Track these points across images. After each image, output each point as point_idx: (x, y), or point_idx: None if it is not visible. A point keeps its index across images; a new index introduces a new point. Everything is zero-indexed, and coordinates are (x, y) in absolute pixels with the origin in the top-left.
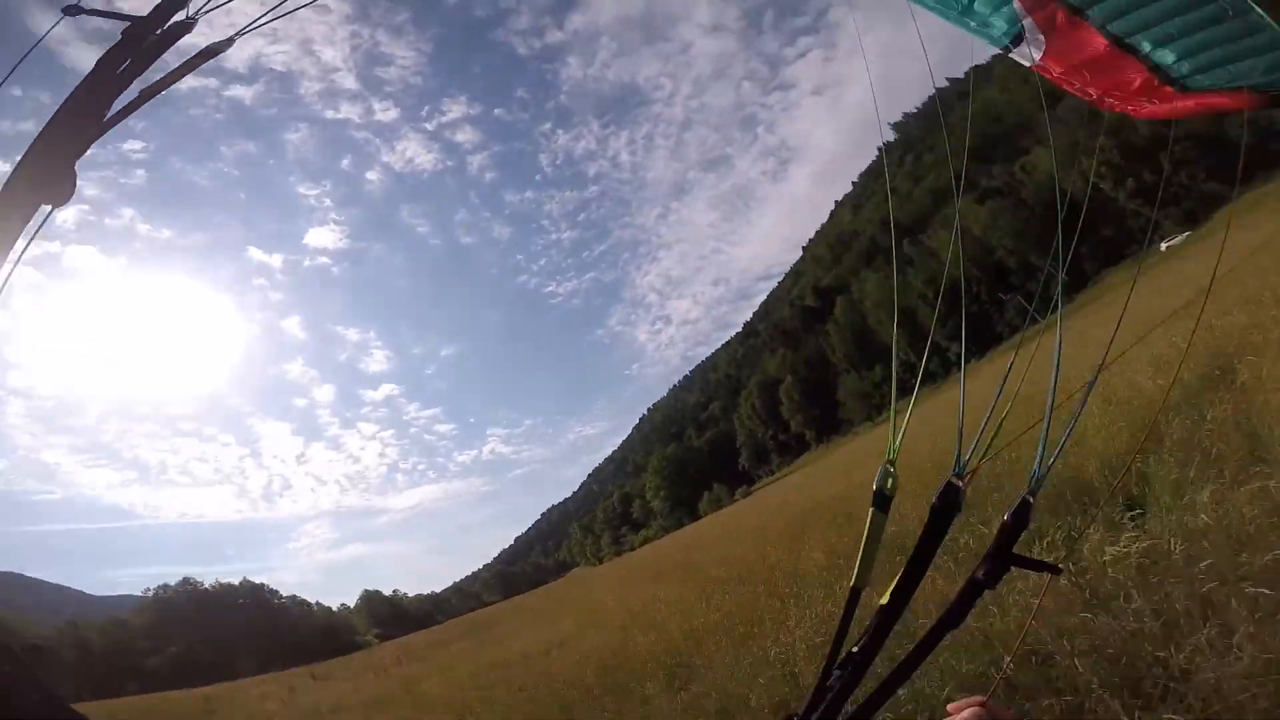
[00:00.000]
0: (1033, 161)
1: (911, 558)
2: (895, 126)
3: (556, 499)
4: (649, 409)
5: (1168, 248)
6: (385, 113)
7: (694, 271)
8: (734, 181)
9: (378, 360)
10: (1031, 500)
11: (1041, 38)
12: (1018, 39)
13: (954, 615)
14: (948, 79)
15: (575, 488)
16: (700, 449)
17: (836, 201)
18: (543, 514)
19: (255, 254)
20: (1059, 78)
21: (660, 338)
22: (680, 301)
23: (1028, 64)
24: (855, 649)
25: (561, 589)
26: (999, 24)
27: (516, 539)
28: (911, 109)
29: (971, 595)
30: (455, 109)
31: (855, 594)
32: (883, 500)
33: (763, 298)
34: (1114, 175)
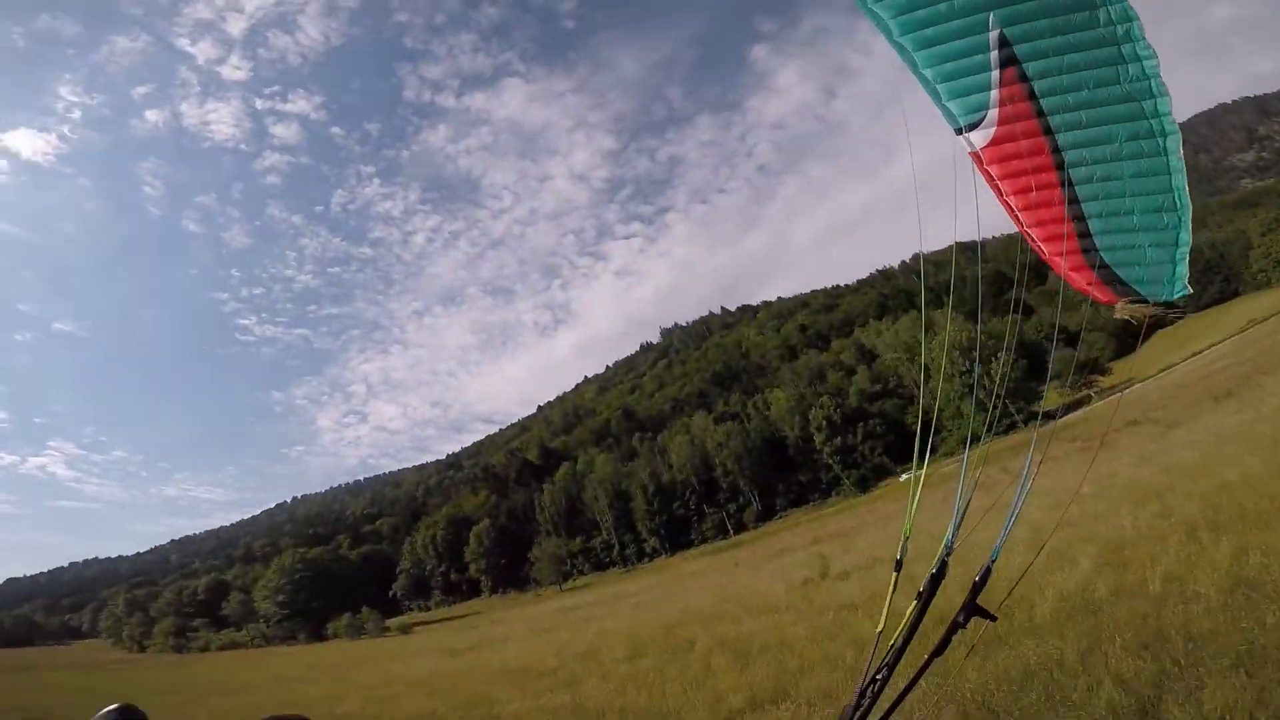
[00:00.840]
0: (766, 401)
1: (918, 608)
2: (663, 332)
3: (107, 552)
4: (294, 498)
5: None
6: (235, 70)
7: (418, 383)
8: (505, 317)
9: None
10: (991, 567)
11: (992, 133)
12: (972, 126)
13: (940, 647)
14: (722, 308)
15: (144, 547)
16: (352, 561)
17: (586, 377)
18: (71, 563)
19: None
20: (988, 172)
21: (346, 433)
22: (388, 406)
23: (968, 149)
24: (878, 676)
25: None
26: (966, 106)
27: (8, 579)
28: (683, 322)
29: (951, 632)
30: (300, 104)
31: (879, 636)
32: (899, 564)
33: (478, 438)
34: (829, 429)
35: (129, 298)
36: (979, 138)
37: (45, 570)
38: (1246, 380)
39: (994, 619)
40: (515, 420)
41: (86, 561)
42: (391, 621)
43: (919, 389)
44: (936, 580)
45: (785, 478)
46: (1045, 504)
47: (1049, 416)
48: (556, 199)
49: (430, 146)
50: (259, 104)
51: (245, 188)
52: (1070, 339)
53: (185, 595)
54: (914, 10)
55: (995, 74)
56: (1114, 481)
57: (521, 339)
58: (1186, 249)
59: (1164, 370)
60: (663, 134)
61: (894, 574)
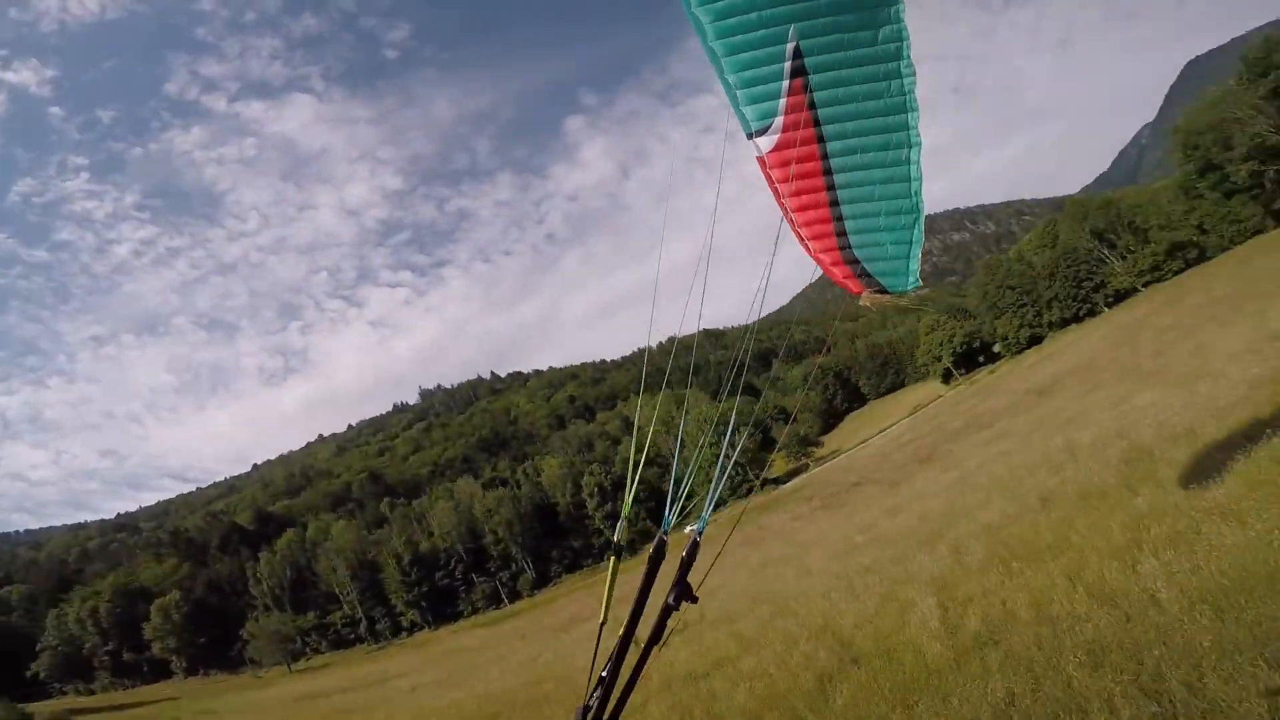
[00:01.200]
0: (537, 468)
1: (639, 591)
2: (422, 393)
3: None
4: None
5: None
6: None
7: (85, 426)
8: (220, 356)
9: None
10: (699, 540)
11: (776, 139)
12: (761, 132)
13: (656, 634)
14: (492, 373)
15: None
16: None
17: (321, 435)
18: None
19: None
20: (770, 175)
21: None
22: (33, 451)
23: (755, 154)
24: (604, 673)
25: None
26: (759, 112)
27: None
28: (447, 385)
29: (665, 615)
30: (23, 75)
31: (601, 628)
32: (619, 549)
33: (166, 496)
34: (600, 496)
35: None
36: (765, 143)
37: None
38: (936, 448)
39: (696, 600)
40: (221, 479)
41: None
42: (37, 708)
43: (674, 457)
44: (655, 560)
45: (558, 543)
46: (826, 553)
47: (778, 481)
48: (316, 231)
49: (173, 148)
50: None
51: None
52: (786, 417)
53: None
54: (726, 18)
55: (785, 83)
56: (879, 531)
57: (238, 385)
58: (919, 247)
59: (861, 443)
60: (458, 185)
61: (612, 559)
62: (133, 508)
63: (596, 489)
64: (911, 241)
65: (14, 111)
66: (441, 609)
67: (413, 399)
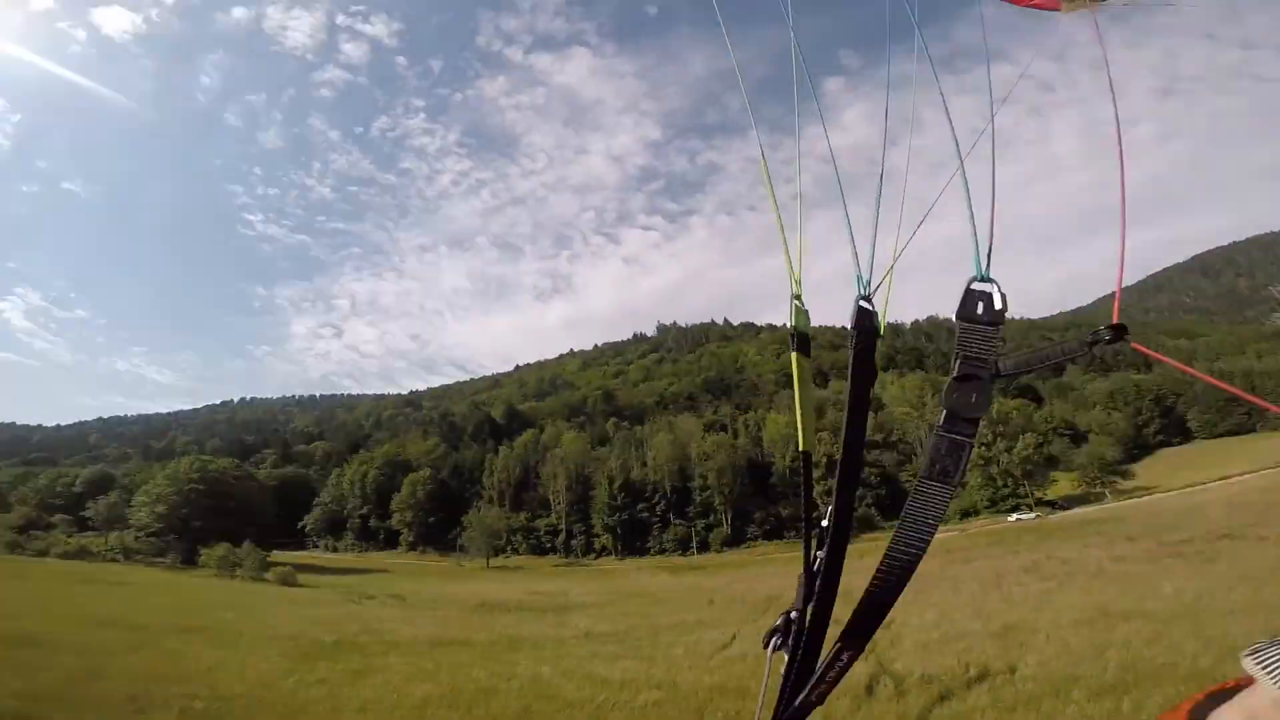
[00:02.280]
0: (760, 421)
1: (849, 404)
2: (659, 328)
3: (34, 418)
4: (241, 399)
5: (1017, 520)
6: None
7: (403, 313)
8: (505, 272)
9: None
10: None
11: None
12: None
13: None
14: (725, 319)
15: (65, 420)
16: (260, 483)
17: (571, 350)
18: None
19: None
20: None
21: (317, 344)
22: (367, 328)
23: None
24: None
25: None
26: None
27: None
28: (683, 323)
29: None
30: (378, 28)
31: (806, 457)
32: (802, 341)
33: (446, 382)
34: (827, 468)
35: (147, 171)
36: None
37: None
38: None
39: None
40: (488, 374)
41: (3, 425)
42: (278, 561)
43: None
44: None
45: (764, 506)
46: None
47: (1056, 506)
48: (587, 174)
49: (484, 95)
50: (340, 19)
51: (296, 95)
52: (1073, 434)
53: (60, 485)
54: None
55: None
56: None
57: (516, 298)
58: None
59: (1189, 486)
60: (709, 139)
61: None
62: (422, 387)
63: (825, 460)
64: None
65: (373, 59)
66: (632, 541)
67: (650, 331)
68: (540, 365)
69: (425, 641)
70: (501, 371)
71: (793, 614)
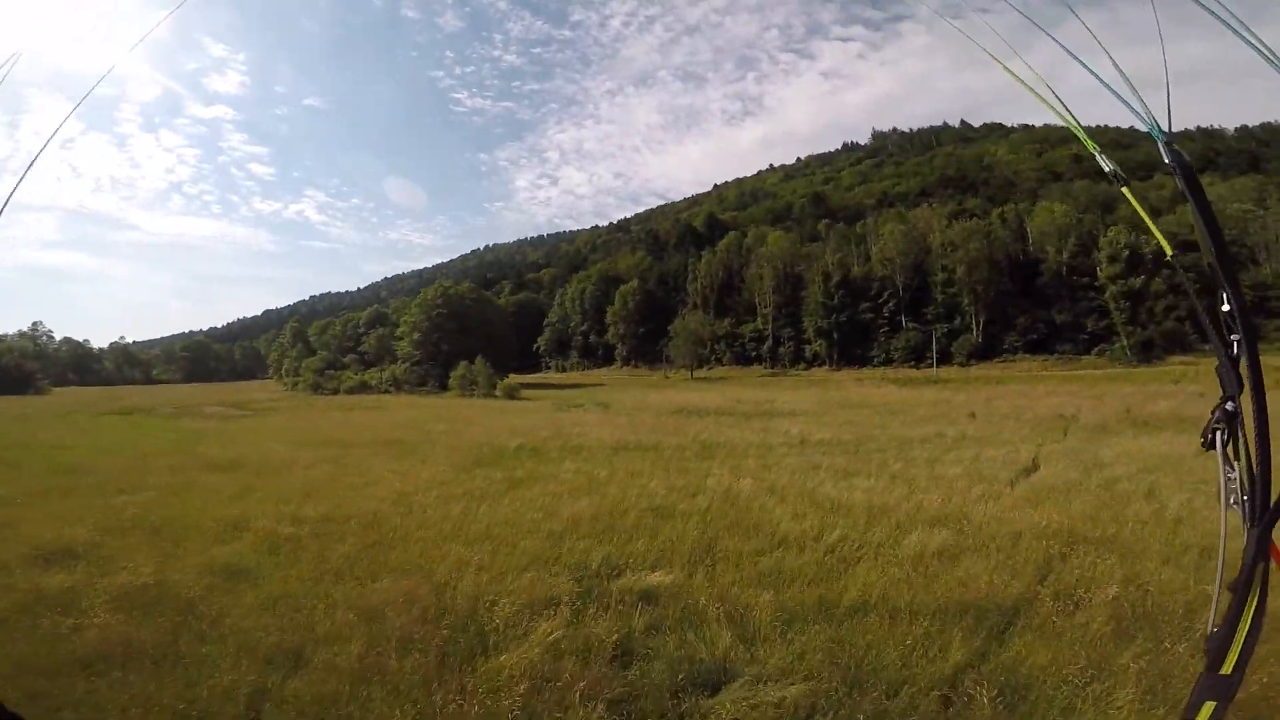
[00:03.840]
0: (1025, 211)
1: (1204, 222)
2: (875, 135)
3: (341, 287)
4: (485, 246)
5: None
6: None
7: (606, 155)
8: (692, 101)
9: (229, 81)
10: None
11: None
12: None
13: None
14: (962, 121)
15: (364, 284)
16: (496, 305)
17: (771, 165)
18: (310, 296)
19: None
20: None
21: (538, 194)
22: (577, 173)
23: None
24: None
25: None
26: None
27: (267, 311)
28: (905, 129)
29: None
30: None
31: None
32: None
33: (651, 208)
34: (1126, 262)
35: (362, 76)
36: None
37: (290, 303)
38: None
39: None
40: (689, 195)
41: (321, 295)
42: (505, 381)
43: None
44: None
45: (1030, 311)
46: None
47: None
48: None
49: None
50: None
51: None
52: None
53: (349, 329)
54: None
55: None
56: None
57: (707, 125)
58: None
59: None
60: None
61: None
62: (629, 215)
63: (1125, 249)
64: None
65: None
66: (851, 348)
67: (864, 141)
68: (739, 182)
69: (610, 446)
70: (700, 192)
71: (1228, 405)
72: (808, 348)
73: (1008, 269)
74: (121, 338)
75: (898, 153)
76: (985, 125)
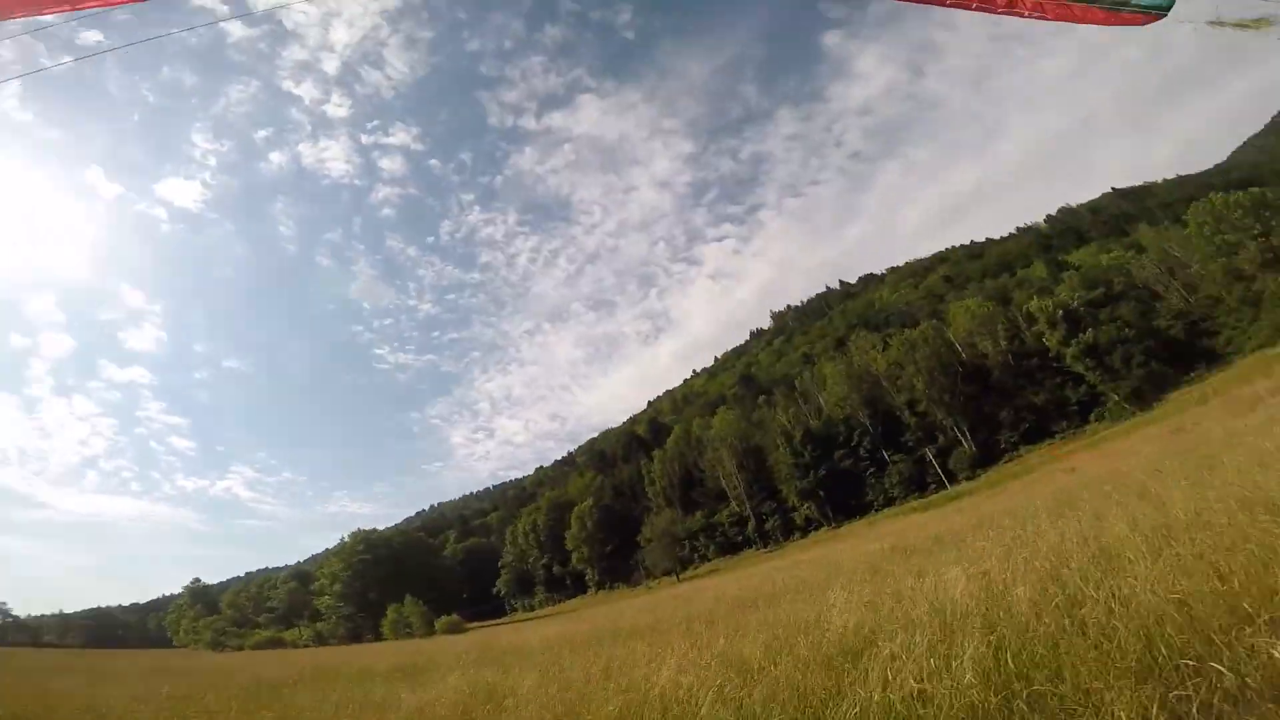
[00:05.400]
0: (943, 320)
1: None
2: (774, 316)
3: (279, 561)
4: (432, 506)
5: None
6: (337, 108)
7: (536, 398)
8: (607, 329)
9: (144, 338)
10: None
11: None
12: None
13: None
14: (840, 281)
15: (304, 556)
16: (436, 554)
17: (694, 371)
18: (246, 573)
19: (91, 174)
20: None
21: (476, 449)
22: (511, 421)
23: None
24: None
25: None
26: None
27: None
28: (796, 303)
29: None
30: (400, 137)
31: None
32: None
33: (593, 436)
34: (1066, 324)
35: (280, 334)
36: None
37: (224, 579)
38: None
39: None
40: (624, 421)
41: (259, 570)
42: (446, 619)
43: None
44: None
45: (1002, 404)
46: None
47: None
48: (643, 208)
49: (520, 169)
50: (364, 139)
51: (364, 221)
52: None
53: (264, 588)
54: None
55: None
56: None
57: (625, 350)
58: None
59: None
60: (741, 132)
61: None
62: (572, 448)
63: (1062, 315)
64: None
65: (411, 168)
66: (845, 500)
67: (765, 324)
68: (669, 394)
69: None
70: (637, 412)
71: None
72: (795, 514)
73: (957, 374)
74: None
75: (799, 325)
76: (861, 278)
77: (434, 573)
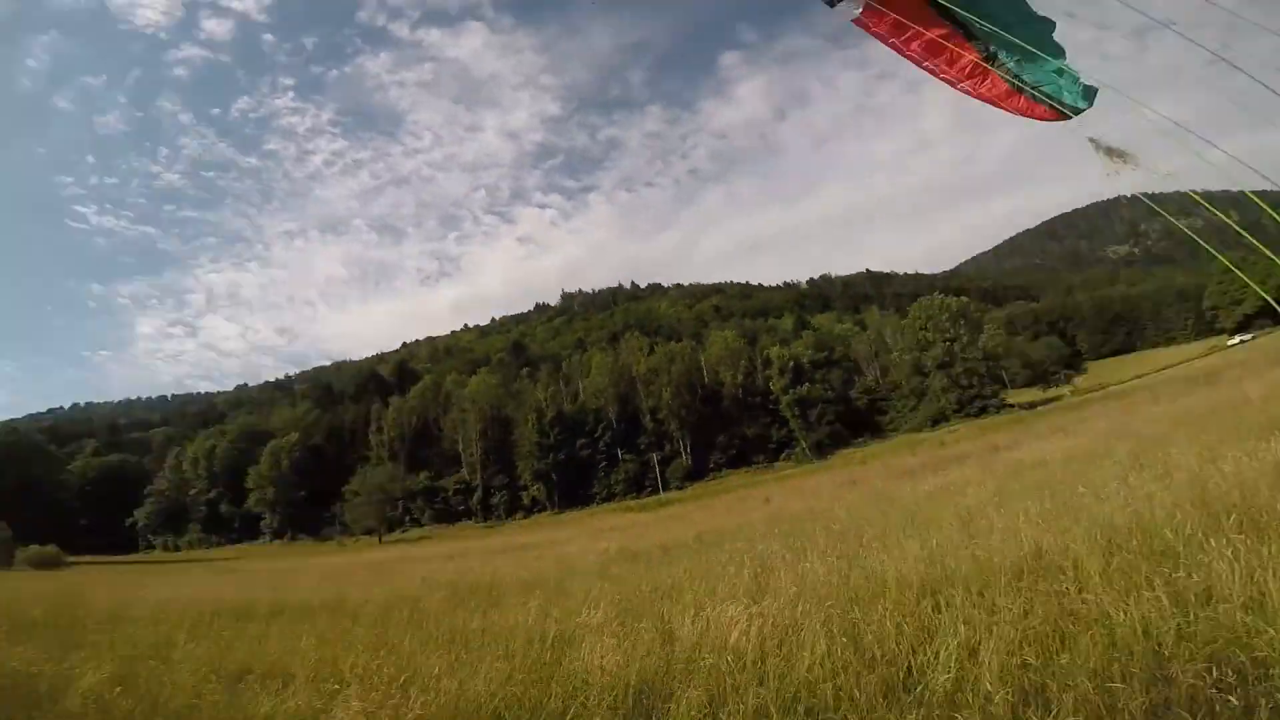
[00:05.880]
0: (701, 343)
1: None
2: (564, 296)
3: None
4: (74, 404)
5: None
6: None
7: (269, 305)
8: (386, 257)
9: None
10: None
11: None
12: None
13: None
14: (632, 282)
15: None
16: (67, 477)
17: (466, 325)
18: None
19: None
20: (877, 33)
21: (167, 345)
22: (227, 324)
23: (846, 19)
24: None
25: None
26: None
27: None
28: (589, 290)
29: None
30: (245, 3)
31: None
32: None
33: (324, 364)
34: (792, 374)
35: None
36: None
37: None
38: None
39: None
40: (371, 355)
41: None
42: (36, 549)
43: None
44: None
45: (727, 429)
46: None
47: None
48: (479, 151)
49: (365, 71)
50: None
51: (144, 76)
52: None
53: None
54: None
55: None
56: None
57: (399, 283)
58: (1065, 57)
59: (1133, 378)
60: (610, 114)
61: None
62: (294, 371)
63: (791, 364)
64: (1058, 54)
65: (238, 37)
66: (573, 488)
67: (555, 301)
68: (431, 340)
69: None
70: (387, 350)
71: None
72: (524, 494)
73: (698, 395)
74: None
75: (583, 311)
76: (650, 285)
77: (46, 488)
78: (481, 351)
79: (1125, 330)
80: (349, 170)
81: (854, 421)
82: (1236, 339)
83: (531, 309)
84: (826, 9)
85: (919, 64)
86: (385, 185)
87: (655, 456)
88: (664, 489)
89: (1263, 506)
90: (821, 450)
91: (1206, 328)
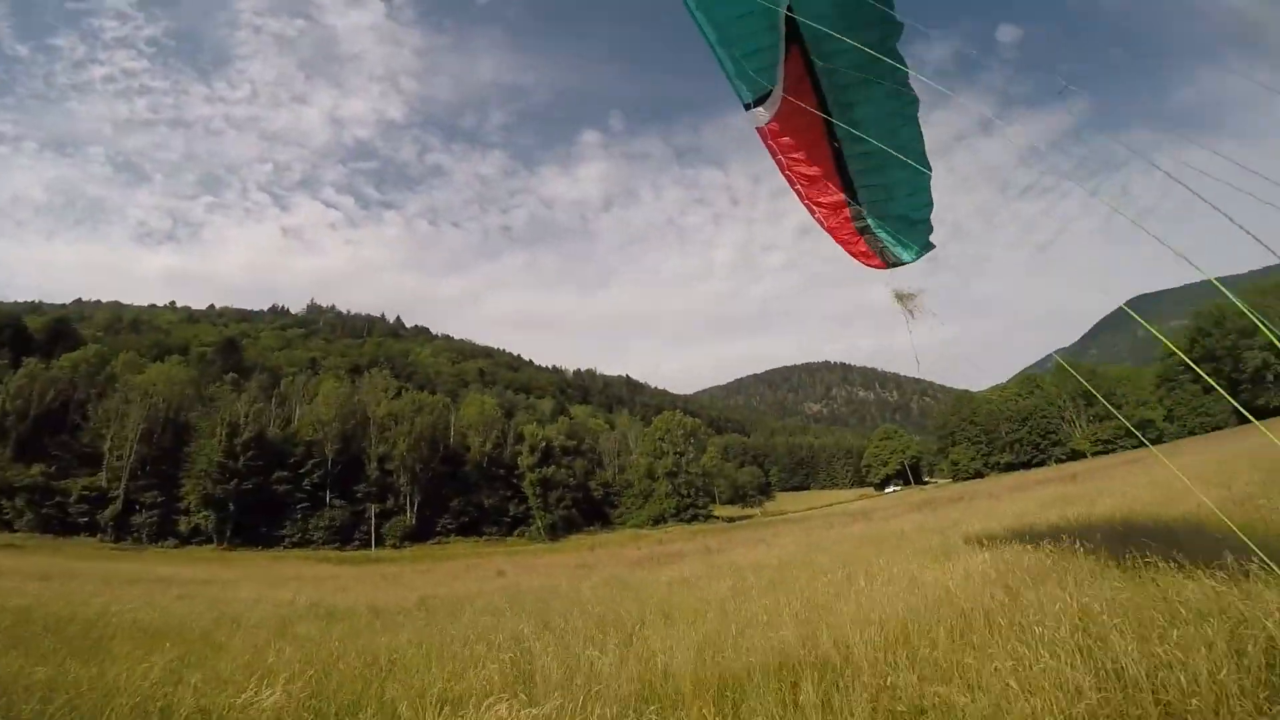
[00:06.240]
0: (455, 402)
1: None
2: (310, 307)
3: None
4: None
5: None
6: None
7: None
8: (109, 198)
9: None
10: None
11: (777, 107)
12: (760, 100)
13: None
14: (399, 317)
15: None
16: None
17: (174, 302)
18: None
19: None
20: (772, 146)
21: None
22: None
23: (756, 124)
24: None
25: None
26: (755, 81)
27: None
28: (343, 310)
29: None
30: None
31: None
32: None
33: None
34: (542, 454)
35: None
36: (765, 113)
37: None
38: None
39: None
40: (31, 301)
41: None
42: None
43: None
44: None
45: (464, 494)
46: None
47: (726, 520)
48: (289, 123)
49: (231, 4)
50: None
51: None
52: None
53: None
54: None
55: (782, 50)
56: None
57: (110, 230)
58: (930, 210)
59: (806, 509)
60: (451, 142)
61: None
62: None
63: (544, 445)
64: (925, 205)
65: None
66: (255, 525)
67: (299, 310)
68: (116, 305)
69: None
70: (52, 302)
71: None
72: (184, 519)
73: (438, 453)
74: None
75: (329, 330)
76: (415, 327)
77: None
78: (181, 338)
79: (805, 472)
80: (127, 94)
81: (589, 510)
82: (890, 488)
83: (266, 309)
84: (735, 114)
85: (792, 185)
86: (160, 122)
87: (374, 508)
88: (377, 545)
89: (989, 605)
90: (555, 532)
91: (859, 479)
